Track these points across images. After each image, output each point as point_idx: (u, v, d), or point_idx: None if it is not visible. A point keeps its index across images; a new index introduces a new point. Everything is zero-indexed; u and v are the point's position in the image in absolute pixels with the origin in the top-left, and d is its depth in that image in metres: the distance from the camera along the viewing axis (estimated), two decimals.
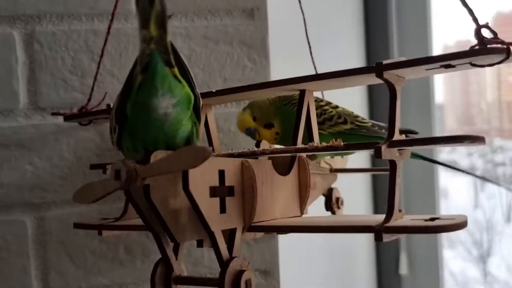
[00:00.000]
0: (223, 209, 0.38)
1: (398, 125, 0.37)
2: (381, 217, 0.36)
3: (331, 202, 0.59)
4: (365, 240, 0.97)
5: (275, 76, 0.60)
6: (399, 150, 0.36)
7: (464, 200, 1.39)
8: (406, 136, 0.51)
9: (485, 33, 0.34)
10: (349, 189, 0.67)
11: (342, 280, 0.90)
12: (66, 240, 0.57)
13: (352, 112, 0.53)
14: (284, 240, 0.60)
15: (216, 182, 0.37)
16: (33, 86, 0.57)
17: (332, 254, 0.85)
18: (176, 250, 0.42)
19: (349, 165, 0.63)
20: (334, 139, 0.37)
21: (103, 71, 0.57)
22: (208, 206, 0.36)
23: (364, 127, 0.51)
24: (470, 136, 0.32)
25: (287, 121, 0.48)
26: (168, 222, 0.36)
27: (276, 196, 0.43)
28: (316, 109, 0.50)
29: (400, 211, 0.36)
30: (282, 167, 0.44)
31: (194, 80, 0.38)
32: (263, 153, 0.40)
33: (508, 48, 0.33)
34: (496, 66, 0.35)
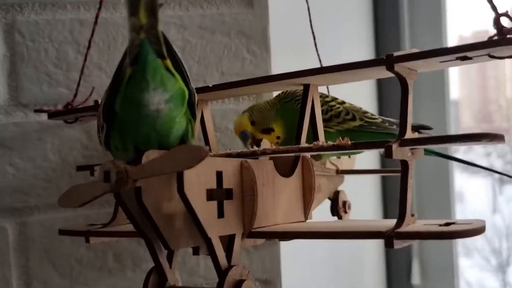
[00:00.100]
0: (221, 214, 0.38)
1: (410, 122, 0.37)
2: (392, 222, 0.36)
3: (338, 206, 0.59)
4: (375, 247, 0.97)
5: (276, 69, 0.60)
6: (411, 149, 0.36)
7: (482, 203, 1.39)
8: (418, 132, 0.52)
9: (505, 22, 0.34)
10: (357, 192, 0.67)
11: None
12: (50, 247, 0.57)
13: (361, 108, 0.53)
14: (287, 247, 0.60)
15: (213, 184, 0.37)
16: (14, 81, 0.57)
17: (338, 262, 0.85)
18: (170, 258, 0.42)
19: (357, 166, 0.63)
20: (341, 138, 0.37)
21: (90, 64, 0.57)
22: (205, 210, 0.36)
23: (374, 123, 0.51)
24: (488, 134, 0.32)
25: (290, 120, 0.48)
26: (162, 227, 0.36)
27: (278, 200, 0.43)
28: (322, 105, 0.50)
29: (412, 215, 0.37)
30: (285, 168, 0.45)
31: (188, 73, 0.38)
32: (264, 153, 0.40)
33: None
34: None
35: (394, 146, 0.34)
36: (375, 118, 0.52)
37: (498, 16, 0.34)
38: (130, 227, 0.40)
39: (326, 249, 0.79)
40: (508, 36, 0.33)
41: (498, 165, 1.36)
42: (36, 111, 0.57)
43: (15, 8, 0.57)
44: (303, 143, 0.44)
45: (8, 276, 0.56)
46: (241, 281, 0.37)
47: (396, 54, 0.36)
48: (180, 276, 0.43)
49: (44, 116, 0.57)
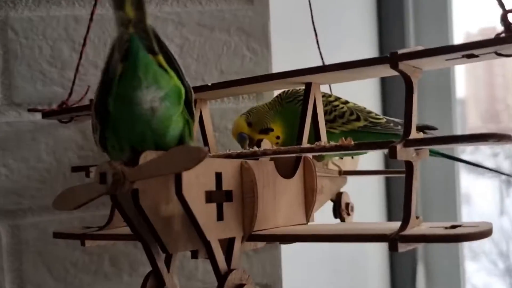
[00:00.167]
0: (220, 216, 0.38)
1: (415, 122, 0.37)
2: (396, 224, 0.36)
3: (340, 208, 0.59)
4: (378, 250, 0.97)
5: (277, 67, 0.60)
6: (416, 149, 0.36)
7: (489, 205, 1.39)
8: (423, 132, 0.52)
9: None
10: (360, 193, 0.67)
11: None
12: (45, 251, 0.57)
13: (365, 108, 0.53)
14: (288, 251, 0.60)
15: (212, 186, 0.37)
16: (7, 79, 0.57)
17: (341, 266, 0.85)
18: (168, 262, 0.42)
19: (360, 167, 0.63)
20: (343, 138, 0.38)
21: (85, 62, 0.57)
22: (204, 212, 0.36)
23: (378, 123, 0.52)
24: (495, 134, 0.32)
25: (292, 120, 0.48)
26: (159, 230, 0.36)
27: (279, 202, 0.43)
28: (325, 105, 0.50)
29: (417, 218, 0.37)
30: (286, 169, 0.45)
31: (182, 70, 0.37)
32: (265, 153, 0.40)
33: None
34: None
35: (399, 147, 0.35)
36: (380, 118, 0.52)
37: (505, 12, 0.34)
38: (126, 230, 0.40)
39: (328, 252, 0.79)
40: None
41: (505, 166, 1.36)
42: (30, 110, 0.57)
43: (8, 4, 0.57)
44: (305, 143, 0.44)
45: (1, 280, 0.56)
46: (241, 286, 0.37)
47: (400, 51, 0.36)
48: (179, 280, 0.43)
49: (38, 116, 0.57)
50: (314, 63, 0.44)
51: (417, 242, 0.35)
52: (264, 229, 0.41)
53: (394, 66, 0.36)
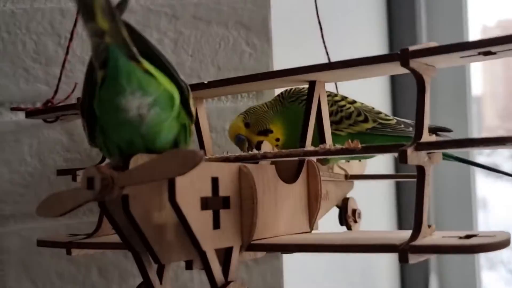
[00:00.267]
0: (216, 224, 0.38)
1: (427, 124, 0.37)
2: (407, 233, 0.36)
3: (347, 215, 0.59)
4: (388, 260, 0.97)
5: (278, 64, 0.60)
6: (428, 153, 0.36)
7: (508, 211, 1.39)
8: (436, 135, 0.52)
9: None
10: (368, 199, 0.67)
11: None
12: (28, 260, 0.57)
13: (373, 108, 0.53)
14: (290, 261, 0.60)
15: (208, 192, 0.37)
16: None
17: (348, 277, 0.85)
18: (160, 273, 0.42)
19: (368, 170, 0.63)
20: (350, 140, 0.38)
21: (72, 57, 0.57)
22: (199, 220, 0.36)
23: (388, 125, 0.52)
24: None
25: (294, 121, 0.48)
26: (151, 239, 0.36)
27: (280, 208, 0.43)
28: (331, 105, 0.50)
29: (429, 226, 0.37)
30: (288, 174, 0.45)
31: (176, 71, 0.38)
32: (265, 156, 0.40)
33: None
34: None
35: (409, 150, 0.35)
36: (389, 120, 0.52)
37: None
38: (116, 238, 0.40)
39: (334, 262, 0.79)
40: None
41: None
42: (12, 109, 0.57)
43: None
44: (309, 146, 0.44)
45: None
46: None
47: (411, 48, 0.36)
48: None
49: (21, 115, 0.57)
50: (319, 60, 0.44)
51: (429, 253, 0.35)
52: (264, 238, 0.41)
53: (405, 64, 0.36)
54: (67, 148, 0.58)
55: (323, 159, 0.51)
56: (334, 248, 0.38)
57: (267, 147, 0.44)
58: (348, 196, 0.60)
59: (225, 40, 0.60)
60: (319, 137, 0.46)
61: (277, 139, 0.52)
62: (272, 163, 0.43)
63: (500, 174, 0.56)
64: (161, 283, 0.41)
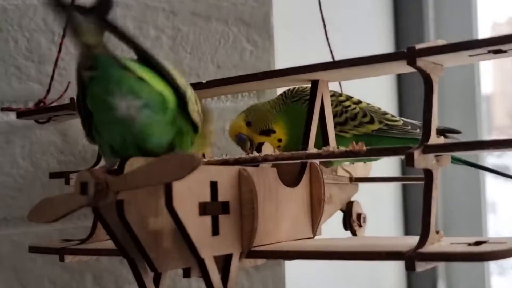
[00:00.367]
0: (215, 230, 0.38)
1: (435, 125, 0.37)
2: (414, 240, 0.36)
3: (351, 219, 0.59)
4: (395, 265, 0.97)
5: (280, 62, 0.60)
6: (436, 156, 0.36)
7: None
8: (445, 136, 0.51)
9: None
10: (374, 203, 0.67)
11: None
12: (20, 266, 0.57)
13: (379, 108, 0.53)
14: (292, 267, 0.60)
15: (207, 197, 0.37)
16: None
17: (353, 283, 0.85)
18: (157, 281, 0.42)
19: (373, 173, 0.63)
20: (355, 142, 0.37)
21: (65, 55, 0.57)
22: (197, 226, 0.36)
23: (395, 126, 0.52)
24: None
25: (297, 122, 0.48)
26: (147, 246, 0.36)
27: (281, 213, 0.43)
28: (335, 106, 0.50)
29: (437, 232, 0.36)
30: (290, 177, 0.44)
31: (174, 78, 0.38)
32: (266, 159, 0.40)
33: None
34: None
35: (417, 153, 0.34)
36: (396, 121, 0.52)
37: None
38: (111, 244, 0.40)
39: (338, 269, 0.79)
40: None
41: None
42: (3, 109, 0.57)
43: None
44: (311, 148, 0.44)
45: None
46: None
47: (418, 46, 0.36)
48: None
49: (12, 116, 0.57)
50: (322, 58, 0.44)
51: (436, 260, 0.34)
52: (265, 245, 0.41)
53: (412, 63, 0.36)
54: (60, 149, 0.58)
55: (327, 161, 0.51)
56: (337, 255, 0.38)
57: (268, 149, 0.44)
58: (352, 199, 0.60)
59: (225, 37, 0.60)
60: (323, 138, 0.46)
61: (280, 140, 0.51)
62: (273, 166, 0.43)
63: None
64: None
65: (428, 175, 0.36)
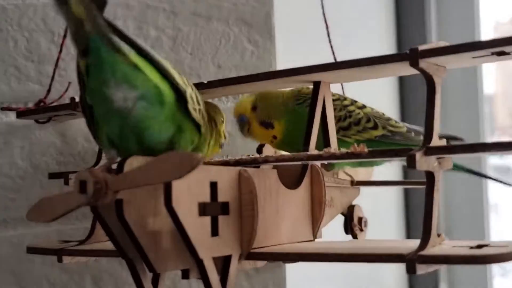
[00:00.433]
0: (215, 231, 0.38)
1: (437, 127, 0.37)
2: (415, 243, 0.36)
3: (352, 223, 0.59)
4: (396, 269, 0.97)
5: (281, 62, 0.60)
6: (438, 158, 0.36)
7: None
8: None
9: None
10: (375, 206, 0.67)
11: None
12: (18, 268, 0.57)
13: (383, 114, 0.53)
14: (293, 270, 0.60)
15: (206, 197, 0.37)
16: None
17: (353, 286, 0.85)
18: (155, 282, 0.42)
19: (375, 176, 0.63)
20: (356, 144, 0.37)
21: (66, 55, 0.57)
22: (196, 227, 0.36)
23: (398, 133, 0.52)
24: None
25: (297, 126, 0.48)
26: (146, 247, 0.36)
27: (282, 215, 0.43)
28: (340, 110, 0.50)
29: (438, 235, 0.36)
30: (290, 179, 0.44)
31: (172, 73, 0.38)
32: (267, 160, 0.40)
33: None
34: None
35: (418, 155, 0.34)
36: (400, 127, 0.52)
37: None
38: (110, 245, 0.40)
39: (339, 271, 0.79)
40: None
41: None
42: (3, 109, 0.57)
43: None
44: (312, 149, 0.44)
45: None
46: None
47: (421, 48, 0.36)
48: None
49: (12, 116, 0.57)
50: (324, 59, 0.44)
51: (438, 263, 0.34)
52: (265, 246, 0.41)
53: (414, 64, 0.36)
54: (60, 150, 0.58)
55: (328, 164, 0.51)
56: (338, 257, 0.38)
57: (268, 150, 0.43)
58: (353, 203, 0.59)
59: (226, 37, 0.60)
60: (324, 140, 0.46)
61: (275, 137, 0.52)
62: (274, 167, 0.43)
63: None
64: None
65: (429, 177, 0.36)
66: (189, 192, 0.36)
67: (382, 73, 0.43)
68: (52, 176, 0.53)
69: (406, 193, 1.00)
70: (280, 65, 0.59)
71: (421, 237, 0.35)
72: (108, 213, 0.36)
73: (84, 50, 0.35)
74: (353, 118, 0.51)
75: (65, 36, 0.55)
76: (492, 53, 0.35)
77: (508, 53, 0.35)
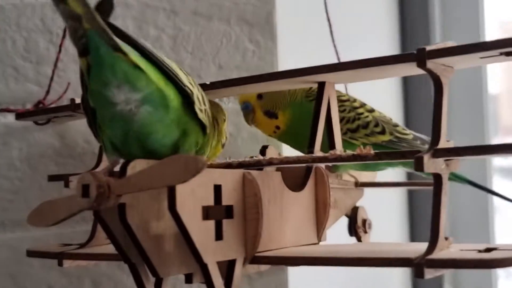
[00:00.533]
0: (219, 235, 0.38)
1: (445, 129, 0.37)
2: (422, 246, 0.36)
3: (356, 225, 0.59)
4: (400, 271, 0.97)
5: (283, 63, 0.60)
6: (446, 160, 0.36)
7: None
8: None
9: None
10: (379, 208, 0.67)
11: None
12: (17, 272, 0.57)
13: (391, 119, 0.54)
14: (297, 274, 0.60)
15: (210, 201, 0.37)
16: None
17: None
18: (158, 287, 0.42)
19: (379, 178, 0.63)
20: (362, 146, 0.37)
21: (65, 56, 0.57)
22: (200, 231, 0.36)
23: (404, 139, 0.52)
24: None
25: (302, 119, 0.48)
26: (149, 251, 0.36)
27: (286, 218, 0.43)
28: (349, 111, 0.50)
29: (446, 239, 0.36)
30: (295, 181, 0.44)
31: (177, 74, 0.37)
32: (271, 162, 0.40)
33: None
34: None
35: (426, 157, 0.34)
36: (407, 134, 0.53)
37: None
38: (110, 249, 0.40)
39: (343, 274, 0.79)
40: None
41: None
42: (1, 110, 0.57)
43: None
44: (317, 151, 0.44)
45: None
46: None
47: (429, 48, 0.36)
48: None
49: (10, 117, 0.57)
50: (326, 59, 0.44)
51: (446, 267, 0.34)
52: (269, 250, 0.41)
53: (422, 65, 0.36)
54: (59, 152, 0.58)
55: (332, 166, 0.51)
56: (344, 261, 0.38)
57: (272, 152, 0.43)
58: (358, 205, 0.60)
59: (227, 37, 0.60)
60: (329, 142, 0.46)
61: (277, 127, 0.52)
62: (278, 169, 0.43)
63: None
64: None
65: (437, 179, 0.36)
66: (193, 196, 0.36)
67: (388, 73, 0.43)
68: (52, 178, 0.53)
69: (410, 194, 1.00)
70: (282, 65, 0.59)
71: (429, 240, 0.35)
72: (111, 217, 0.36)
73: (84, 49, 0.34)
74: (361, 121, 0.51)
75: (64, 37, 0.55)
76: (501, 53, 0.35)
77: None
